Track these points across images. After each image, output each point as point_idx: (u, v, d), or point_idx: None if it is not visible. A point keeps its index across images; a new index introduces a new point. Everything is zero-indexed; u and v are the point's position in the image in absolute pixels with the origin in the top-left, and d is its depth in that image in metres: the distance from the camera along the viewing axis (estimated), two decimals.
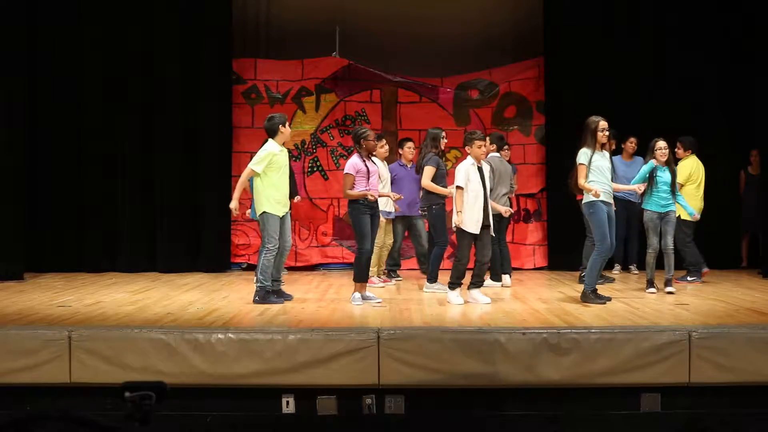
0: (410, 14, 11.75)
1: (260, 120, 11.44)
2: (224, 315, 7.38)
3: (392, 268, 10.18)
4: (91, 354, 6.37)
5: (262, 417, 6.41)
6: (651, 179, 8.72)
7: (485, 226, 7.94)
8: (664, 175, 8.72)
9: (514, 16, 11.94)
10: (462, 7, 11.83)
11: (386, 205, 9.27)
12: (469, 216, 7.88)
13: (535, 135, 11.67)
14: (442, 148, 9.02)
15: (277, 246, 7.96)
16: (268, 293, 8.04)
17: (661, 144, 8.77)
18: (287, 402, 6.37)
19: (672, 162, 8.88)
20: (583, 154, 7.98)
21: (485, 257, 8.01)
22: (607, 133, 8.00)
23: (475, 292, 8.05)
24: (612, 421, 6.29)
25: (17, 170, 10.29)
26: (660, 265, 8.82)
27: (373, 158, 8.57)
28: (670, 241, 8.70)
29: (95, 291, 9.11)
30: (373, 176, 8.15)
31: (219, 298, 8.52)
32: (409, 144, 10.15)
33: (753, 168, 11.12)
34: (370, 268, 9.62)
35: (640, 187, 8.59)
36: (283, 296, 8.23)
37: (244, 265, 11.37)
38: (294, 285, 9.66)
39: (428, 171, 8.77)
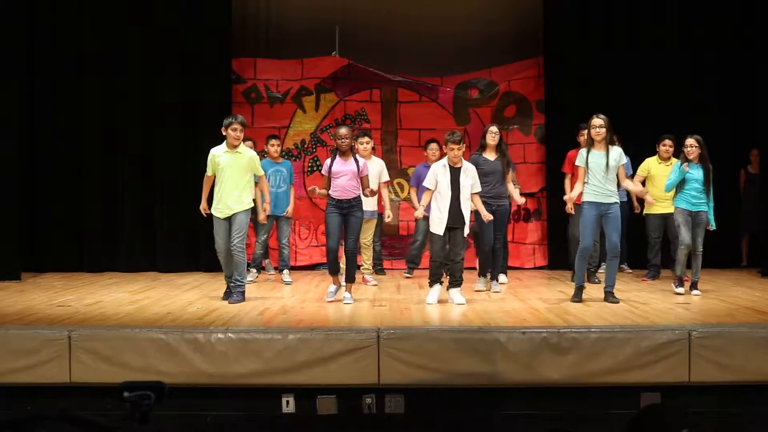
0: (410, 14, 11.76)
1: (260, 120, 11.50)
2: (224, 315, 7.38)
3: (412, 267, 10.36)
4: (91, 354, 6.37)
5: (262, 417, 6.42)
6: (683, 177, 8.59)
7: (453, 228, 7.94)
8: (695, 173, 8.54)
9: (514, 16, 11.93)
10: (462, 6, 11.83)
11: (367, 204, 9.19)
12: (434, 216, 7.96)
13: (535, 134, 11.66)
14: (490, 143, 8.94)
15: None
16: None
17: (689, 141, 8.59)
18: (287, 402, 6.38)
19: (707, 159, 8.58)
20: (578, 156, 8.04)
21: (457, 256, 8.03)
22: (599, 131, 7.96)
23: (451, 291, 8.07)
24: (612, 421, 6.28)
25: (17, 170, 10.28)
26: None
27: (362, 157, 8.65)
28: (699, 243, 8.55)
29: (95, 291, 9.11)
30: (341, 177, 8.16)
31: (219, 297, 8.51)
32: (432, 145, 10.14)
33: (753, 167, 11.11)
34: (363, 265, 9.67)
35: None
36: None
37: None
38: (294, 285, 9.70)
39: None
